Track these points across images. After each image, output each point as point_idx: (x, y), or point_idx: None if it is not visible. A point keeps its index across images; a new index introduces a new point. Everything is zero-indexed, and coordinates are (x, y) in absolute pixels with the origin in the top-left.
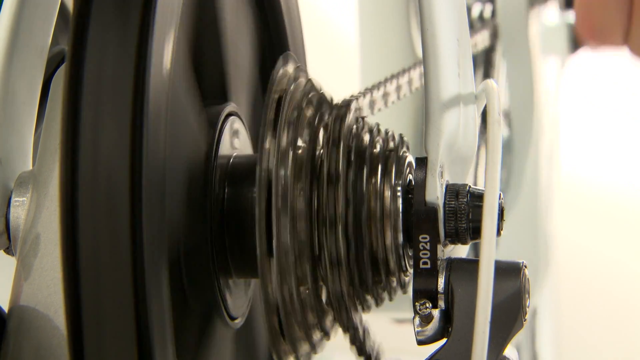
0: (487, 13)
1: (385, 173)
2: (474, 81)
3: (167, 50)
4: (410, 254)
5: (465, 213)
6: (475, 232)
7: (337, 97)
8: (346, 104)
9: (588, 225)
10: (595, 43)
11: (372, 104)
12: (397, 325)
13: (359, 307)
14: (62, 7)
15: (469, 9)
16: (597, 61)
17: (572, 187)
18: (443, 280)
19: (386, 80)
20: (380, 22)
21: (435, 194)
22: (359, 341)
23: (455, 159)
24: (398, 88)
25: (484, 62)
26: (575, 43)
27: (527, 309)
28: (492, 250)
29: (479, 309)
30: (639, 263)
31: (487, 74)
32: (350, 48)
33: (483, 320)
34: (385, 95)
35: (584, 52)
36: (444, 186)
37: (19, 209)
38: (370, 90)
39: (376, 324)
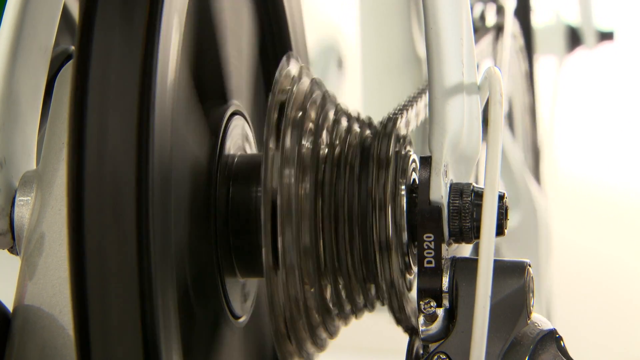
0: (490, 14)
1: (390, 171)
2: (477, 80)
3: (172, 49)
4: (414, 252)
5: (469, 212)
6: (479, 231)
7: (339, 97)
8: (393, 120)
9: (587, 225)
10: None
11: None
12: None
13: (406, 290)
14: (63, 7)
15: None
16: (595, 61)
17: (571, 187)
18: (447, 279)
19: (415, 97)
20: (382, 22)
21: (440, 193)
22: (405, 320)
23: (459, 158)
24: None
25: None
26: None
27: (532, 308)
28: (491, 235)
29: (478, 297)
30: (637, 262)
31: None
32: (352, 48)
33: (482, 309)
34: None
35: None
36: (448, 185)
37: (24, 208)
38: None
39: (376, 325)
